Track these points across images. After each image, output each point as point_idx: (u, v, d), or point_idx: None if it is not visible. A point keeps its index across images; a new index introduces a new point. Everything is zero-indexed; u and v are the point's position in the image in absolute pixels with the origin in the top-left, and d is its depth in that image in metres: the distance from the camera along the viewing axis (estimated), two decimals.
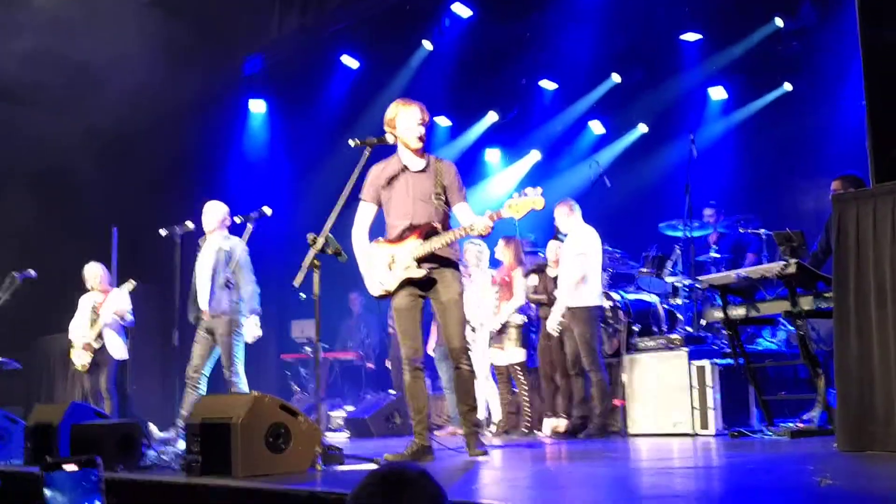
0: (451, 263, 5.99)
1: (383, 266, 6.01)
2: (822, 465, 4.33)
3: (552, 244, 8.83)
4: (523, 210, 5.68)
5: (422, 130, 5.99)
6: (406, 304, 6.01)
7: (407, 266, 5.90)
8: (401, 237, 5.98)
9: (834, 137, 10.76)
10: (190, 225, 8.33)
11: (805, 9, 10.95)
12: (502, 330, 8.96)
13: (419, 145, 6.01)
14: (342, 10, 12.57)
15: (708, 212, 10.11)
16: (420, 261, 5.87)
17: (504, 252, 9.33)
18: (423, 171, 6.05)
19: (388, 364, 11.69)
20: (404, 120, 5.99)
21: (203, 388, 8.12)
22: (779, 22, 11.28)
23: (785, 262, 6.43)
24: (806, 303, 6.51)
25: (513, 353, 8.94)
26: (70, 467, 2.93)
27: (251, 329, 8.17)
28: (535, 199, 5.64)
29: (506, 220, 5.86)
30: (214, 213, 8.38)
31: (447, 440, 9.24)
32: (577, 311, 8.21)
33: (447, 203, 6.02)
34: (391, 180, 6.04)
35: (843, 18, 10.07)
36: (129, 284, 9.76)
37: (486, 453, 5.84)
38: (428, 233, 5.90)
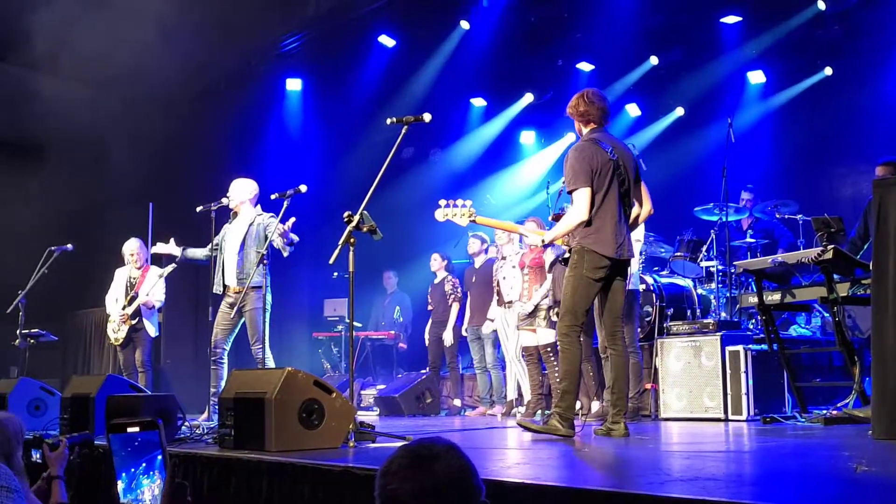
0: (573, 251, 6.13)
1: None
2: (857, 452, 4.29)
3: None
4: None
5: None
6: None
7: None
8: None
9: (873, 123, 10.65)
10: (224, 201, 8.36)
11: None
12: (534, 312, 8.94)
13: None
14: None
15: (746, 195, 10.03)
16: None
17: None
18: None
19: (427, 342, 11.72)
20: None
21: (225, 361, 8.20)
22: (821, 5, 11.13)
23: (822, 248, 6.37)
24: (843, 289, 6.46)
25: (544, 335, 8.93)
26: (133, 429, 3.10)
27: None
28: (462, 212, 6.24)
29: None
30: (241, 189, 8.41)
31: (478, 420, 9.29)
32: None
33: None
34: None
35: (887, 1, 9.94)
36: (168, 268, 9.81)
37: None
38: (555, 221, 6.31)
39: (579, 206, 5.86)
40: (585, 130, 6.20)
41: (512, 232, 6.67)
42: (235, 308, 8.13)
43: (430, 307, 11.64)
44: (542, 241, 6.30)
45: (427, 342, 11.59)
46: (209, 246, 8.44)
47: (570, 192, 5.96)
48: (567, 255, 6.23)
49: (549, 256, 8.99)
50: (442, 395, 11.13)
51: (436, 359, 11.39)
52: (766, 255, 8.16)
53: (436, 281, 11.57)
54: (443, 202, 6.38)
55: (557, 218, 6.39)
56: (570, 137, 13.78)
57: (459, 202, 6.35)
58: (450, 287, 11.28)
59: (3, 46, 12.38)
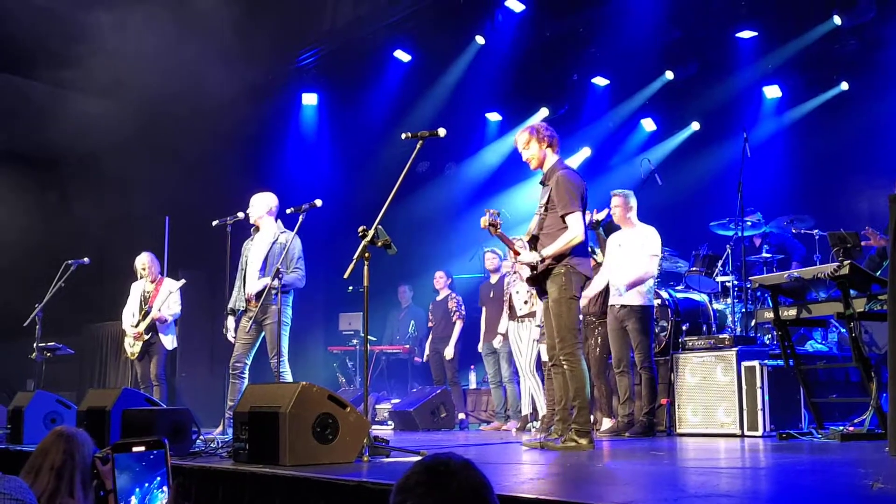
0: (550, 271, 6.38)
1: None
2: (873, 468, 4.26)
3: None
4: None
5: (523, 156, 6.71)
6: (543, 305, 6.64)
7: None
8: None
9: (890, 138, 10.60)
10: (241, 215, 8.41)
11: (864, 3, 10.73)
12: None
13: (532, 166, 6.71)
14: (395, 4, 12.61)
15: (753, 218, 9.96)
16: (531, 268, 6.48)
17: None
18: (543, 182, 6.66)
19: (426, 358, 11.78)
20: None
21: (246, 376, 8.22)
22: (837, 19, 11.09)
23: (838, 263, 6.34)
24: (859, 305, 6.42)
25: None
26: (138, 448, 3.08)
27: (258, 283, 8.23)
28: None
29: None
30: (261, 202, 8.44)
31: (493, 435, 9.27)
32: (636, 309, 8.15)
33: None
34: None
35: None
36: (180, 282, 9.88)
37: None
38: (530, 242, 6.53)
39: (577, 229, 6.30)
40: (554, 158, 6.67)
41: (512, 249, 7.01)
42: (253, 322, 8.15)
43: (430, 324, 11.71)
44: (541, 258, 6.44)
45: (427, 358, 11.68)
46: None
47: (563, 216, 6.33)
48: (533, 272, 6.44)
49: None
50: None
51: (438, 374, 11.44)
52: (781, 271, 8.13)
53: (438, 298, 11.66)
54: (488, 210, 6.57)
55: (534, 238, 6.58)
56: (585, 153, 13.79)
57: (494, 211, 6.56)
58: (454, 304, 11.35)
59: (25, 63, 12.49)
